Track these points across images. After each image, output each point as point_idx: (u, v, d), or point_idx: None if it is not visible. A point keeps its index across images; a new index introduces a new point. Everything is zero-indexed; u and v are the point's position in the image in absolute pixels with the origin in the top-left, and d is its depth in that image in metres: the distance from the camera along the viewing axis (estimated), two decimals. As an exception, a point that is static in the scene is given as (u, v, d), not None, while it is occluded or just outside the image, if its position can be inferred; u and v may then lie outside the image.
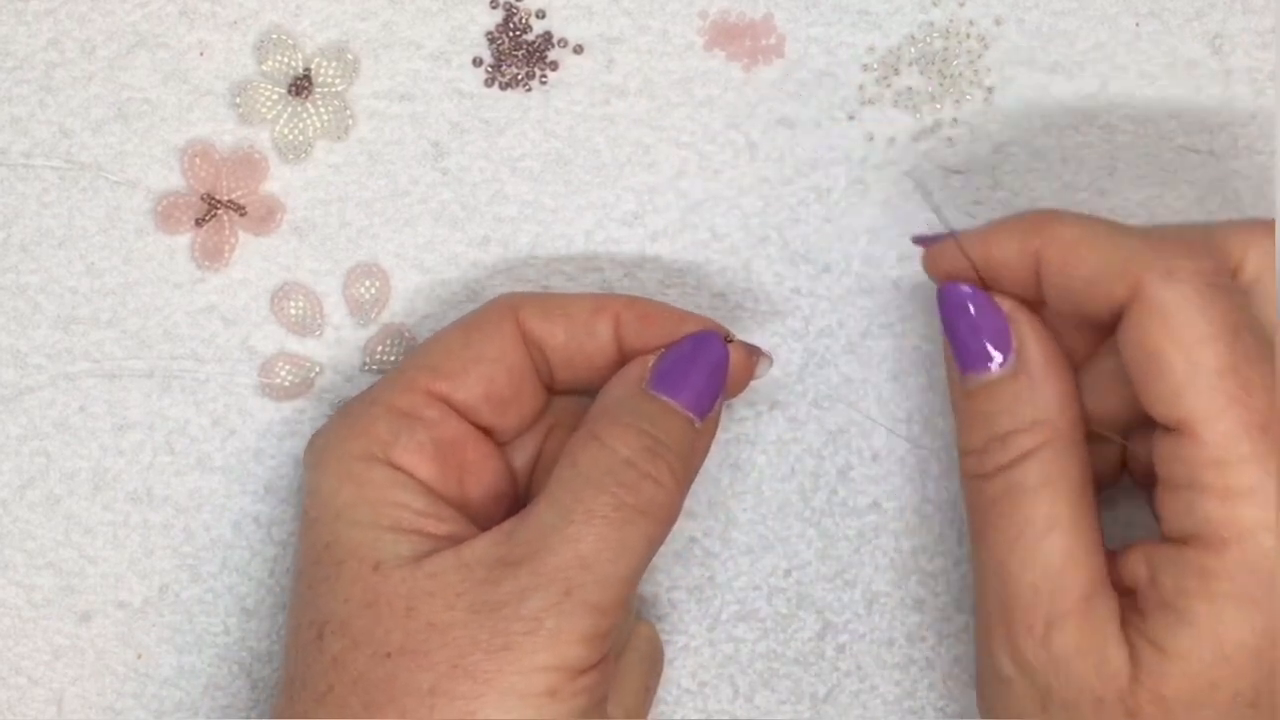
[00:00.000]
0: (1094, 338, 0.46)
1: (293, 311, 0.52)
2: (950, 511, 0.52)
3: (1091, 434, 0.45)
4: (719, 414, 0.47)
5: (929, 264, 0.46)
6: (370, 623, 0.43)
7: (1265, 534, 0.40)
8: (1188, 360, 0.41)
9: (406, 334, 0.52)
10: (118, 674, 0.52)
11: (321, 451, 0.46)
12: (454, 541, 0.44)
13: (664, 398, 0.46)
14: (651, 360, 0.47)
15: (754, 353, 0.48)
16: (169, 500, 0.52)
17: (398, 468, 0.46)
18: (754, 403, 0.52)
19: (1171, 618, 0.41)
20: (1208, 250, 0.42)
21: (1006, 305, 0.45)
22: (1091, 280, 0.43)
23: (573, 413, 0.49)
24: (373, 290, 0.52)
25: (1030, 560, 0.43)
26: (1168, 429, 0.42)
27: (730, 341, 0.47)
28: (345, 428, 0.46)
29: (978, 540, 0.45)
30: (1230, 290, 0.42)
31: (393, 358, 0.52)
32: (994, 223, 0.45)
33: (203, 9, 0.52)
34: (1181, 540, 0.42)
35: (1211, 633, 0.41)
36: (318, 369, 0.52)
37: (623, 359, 0.47)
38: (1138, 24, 0.52)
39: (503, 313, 0.47)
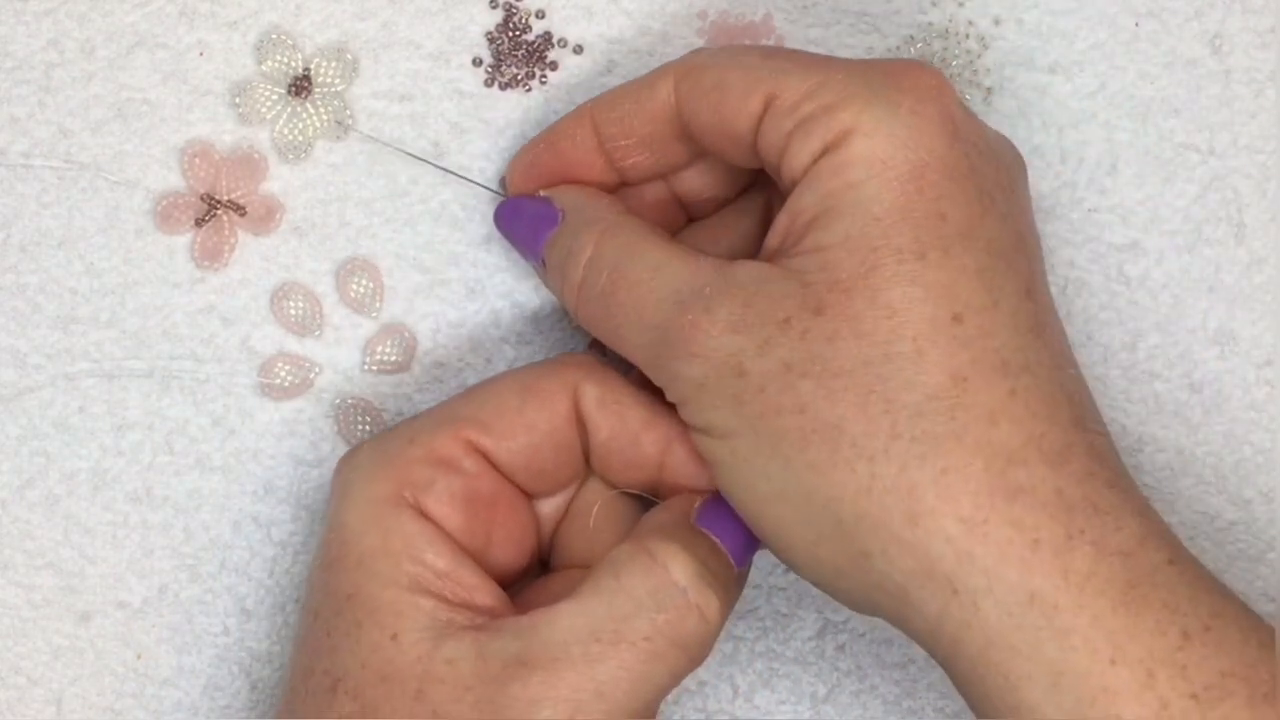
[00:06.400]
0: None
1: (292, 311, 0.52)
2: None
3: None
4: (748, 570, 0.46)
5: (515, 182, 0.50)
6: (381, 697, 0.43)
7: (868, 125, 0.42)
8: (741, 69, 0.45)
9: (406, 334, 0.52)
10: (117, 674, 0.52)
11: (350, 485, 0.45)
12: (472, 609, 0.44)
13: (712, 536, 0.45)
14: (698, 500, 0.46)
15: None
16: (168, 500, 0.52)
17: (426, 516, 0.45)
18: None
19: (816, 223, 0.42)
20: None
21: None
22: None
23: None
24: (367, 287, 0.52)
25: (661, 292, 0.44)
26: (760, 122, 0.44)
27: None
28: (378, 465, 0.45)
29: (611, 330, 0.45)
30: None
31: (393, 358, 0.52)
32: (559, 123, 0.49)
33: (203, 9, 0.52)
34: (805, 173, 0.43)
35: (854, 209, 0.42)
36: (317, 369, 0.52)
37: (659, 478, 0.47)
38: (1137, 24, 0.52)
39: (563, 385, 0.46)
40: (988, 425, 0.41)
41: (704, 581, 0.43)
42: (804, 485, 0.42)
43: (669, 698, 0.52)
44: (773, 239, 0.44)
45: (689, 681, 0.52)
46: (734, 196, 0.50)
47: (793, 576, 0.52)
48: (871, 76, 0.43)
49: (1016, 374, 0.41)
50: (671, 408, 0.46)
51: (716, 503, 0.45)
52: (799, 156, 0.43)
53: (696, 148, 0.47)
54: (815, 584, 0.44)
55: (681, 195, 0.49)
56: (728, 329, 0.42)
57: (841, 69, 0.44)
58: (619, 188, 0.49)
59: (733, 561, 0.45)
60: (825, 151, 0.43)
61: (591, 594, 0.43)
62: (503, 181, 0.51)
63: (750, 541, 0.45)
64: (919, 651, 0.51)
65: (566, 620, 0.43)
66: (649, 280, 0.44)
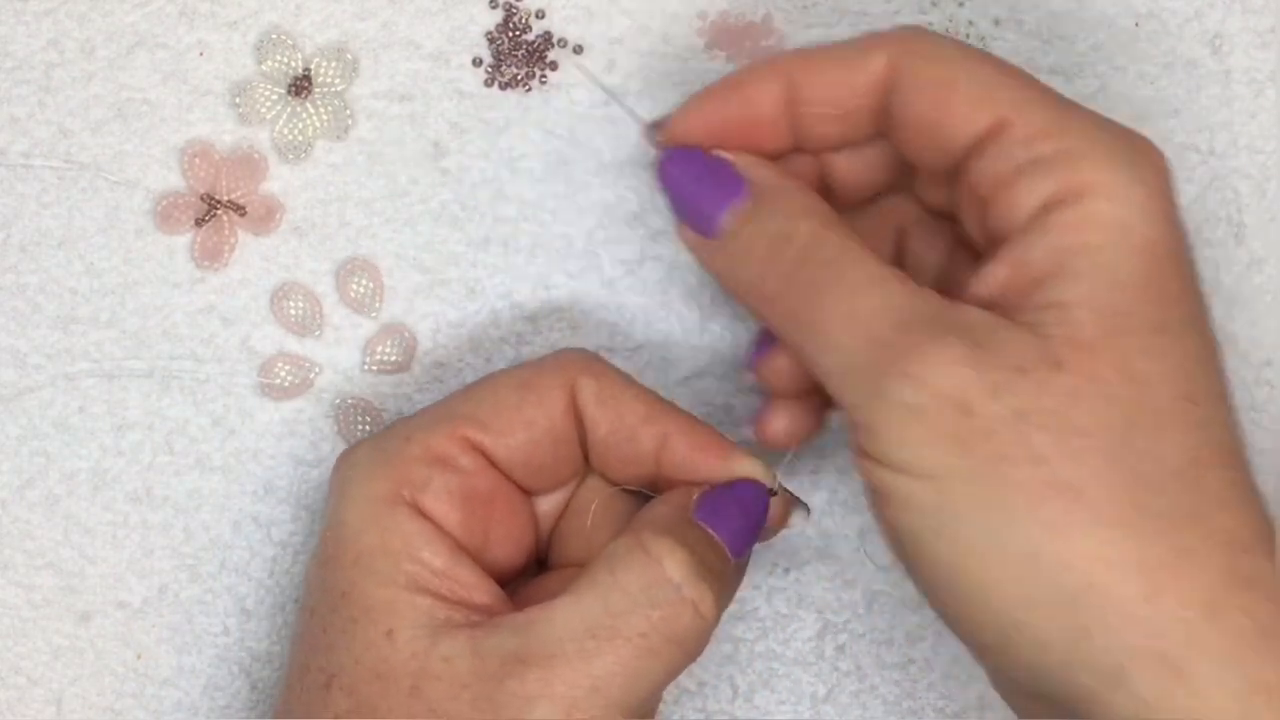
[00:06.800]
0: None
1: (292, 311, 0.52)
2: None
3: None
4: (747, 561, 0.46)
5: (683, 127, 0.46)
6: (376, 694, 0.43)
7: (1110, 185, 0.40)
8: (974, 75, 0.42)
9: (406, 334, 0.52)
10: (117, 674, 0.52)
11: (348, 483, 0.45)
12: (469, 608, 0.44)
13: (709, 530, 0.45)
14: (696, 493, 0.45)
15: (792, 505, 0.47)
16: (168, 500, 0.52)
17: (424, 514, 0.45)
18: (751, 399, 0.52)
19: (1053, 280, 0.40)
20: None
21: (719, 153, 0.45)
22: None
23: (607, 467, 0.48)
24: (367, 287, 0.52)
25: (882, 305, 0.41)
26: (977, 146, 0.42)
27: (774, 495, 0.46)
28: (377, 464, 0.45)
29: (802, 327, 0.42)
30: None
31: (393, 358, 0.52)
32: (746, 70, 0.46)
33: (203, 9, 0.52)
34: (1033, 220, 0.41)
35: (1096, 271, 0.40)
36: (317, 369, 0.52)
37: (658, 473, 0.46)
38: (1137, 24, 0.52)
39: (561, 381, 0.46)
40: (1220, 510, 0.39)
41: (698, 577, 0.43)
42: (1030, 544, 0.39)
43: (669, 698, 0.52)
44: (987, 288, 0.41)
45: (689, 682, 0.52)
46: (878, 190, 0.48)
47: (793, 576, 0.52)
48: (1112, 134, 0.41)
49: (1236, 464, 0.41)
50: (669, 403, 0.46)
51: (715, 495, 0.45)
52: (1027, 196, 0.41)
53: (881, 128, 0.45)
54: (989, 648, 0.41)
55: (829, 177, 0.47)
56: (957, 361, 0.39)
57: (1080, 115, 0.42)
58: (783, 154, 0.46)
59: (730, 555, 0.45)
60: (1059, 201, 0.40)
61: (587, 590, 0.43)
62: (650, 126, 0.47)
63: (749, 534, 0.45)
64: (919, 651, 0.52)
65: (562, 617, 0.43)
66: (869, 288, 0.41)
